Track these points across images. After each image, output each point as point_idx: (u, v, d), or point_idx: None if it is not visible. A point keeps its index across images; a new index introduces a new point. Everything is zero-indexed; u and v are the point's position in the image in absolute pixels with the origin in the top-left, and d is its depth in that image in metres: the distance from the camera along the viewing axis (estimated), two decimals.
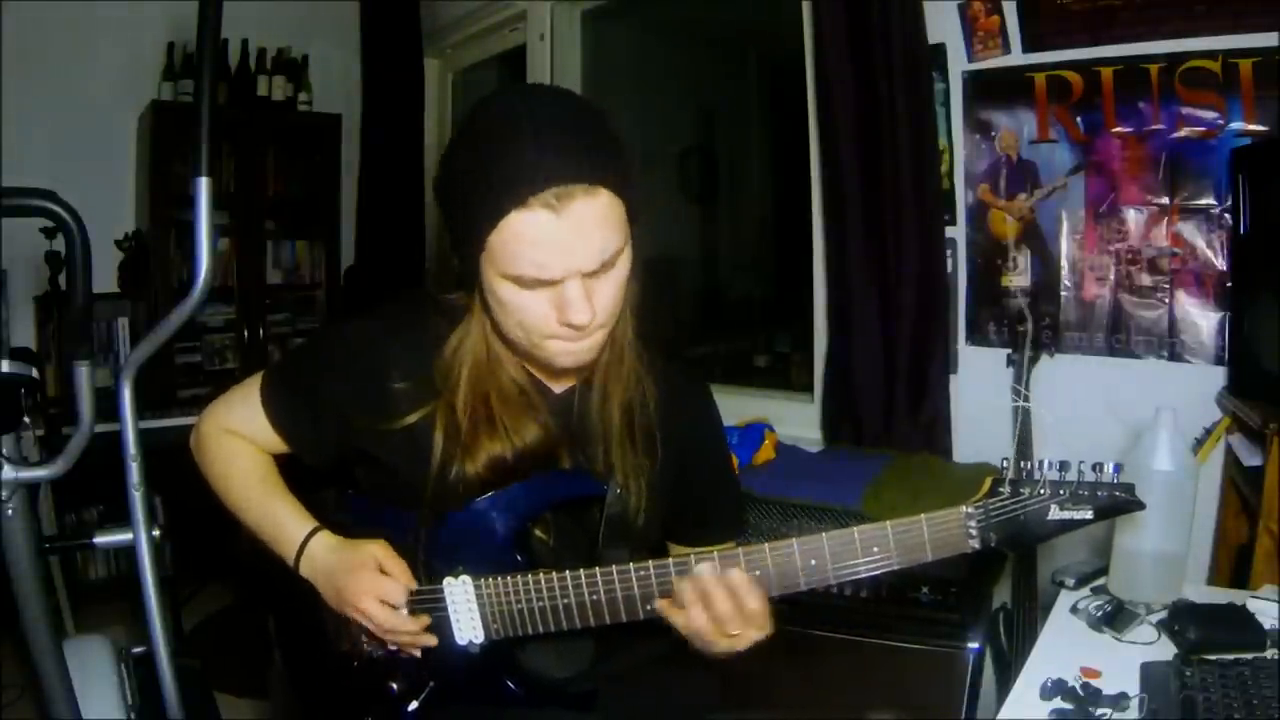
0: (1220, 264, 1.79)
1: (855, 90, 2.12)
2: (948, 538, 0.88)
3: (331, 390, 1.05)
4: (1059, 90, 1.94)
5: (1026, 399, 1.92)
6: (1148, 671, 1.04)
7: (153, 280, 3.24)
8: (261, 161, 3.56)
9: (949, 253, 2.12)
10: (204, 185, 1.08)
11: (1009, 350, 2.01)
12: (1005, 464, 0.89)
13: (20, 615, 1.00)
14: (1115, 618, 1.19)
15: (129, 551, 1.20)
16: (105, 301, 3.22)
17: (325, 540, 1.05)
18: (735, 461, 2.06)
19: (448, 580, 1.01)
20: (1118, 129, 1.88)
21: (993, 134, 2.05)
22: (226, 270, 3.47)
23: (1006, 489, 0.88)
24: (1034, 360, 1.95)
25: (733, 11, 3.69)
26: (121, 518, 1.20)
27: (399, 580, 1.02)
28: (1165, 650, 1.12)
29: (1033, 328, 1.92)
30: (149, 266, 3.25)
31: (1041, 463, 0.88)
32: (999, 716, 1.02)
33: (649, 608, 0.95)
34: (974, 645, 1.62)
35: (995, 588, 1.83)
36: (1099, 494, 0.86)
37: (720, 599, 0.91)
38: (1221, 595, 1.25)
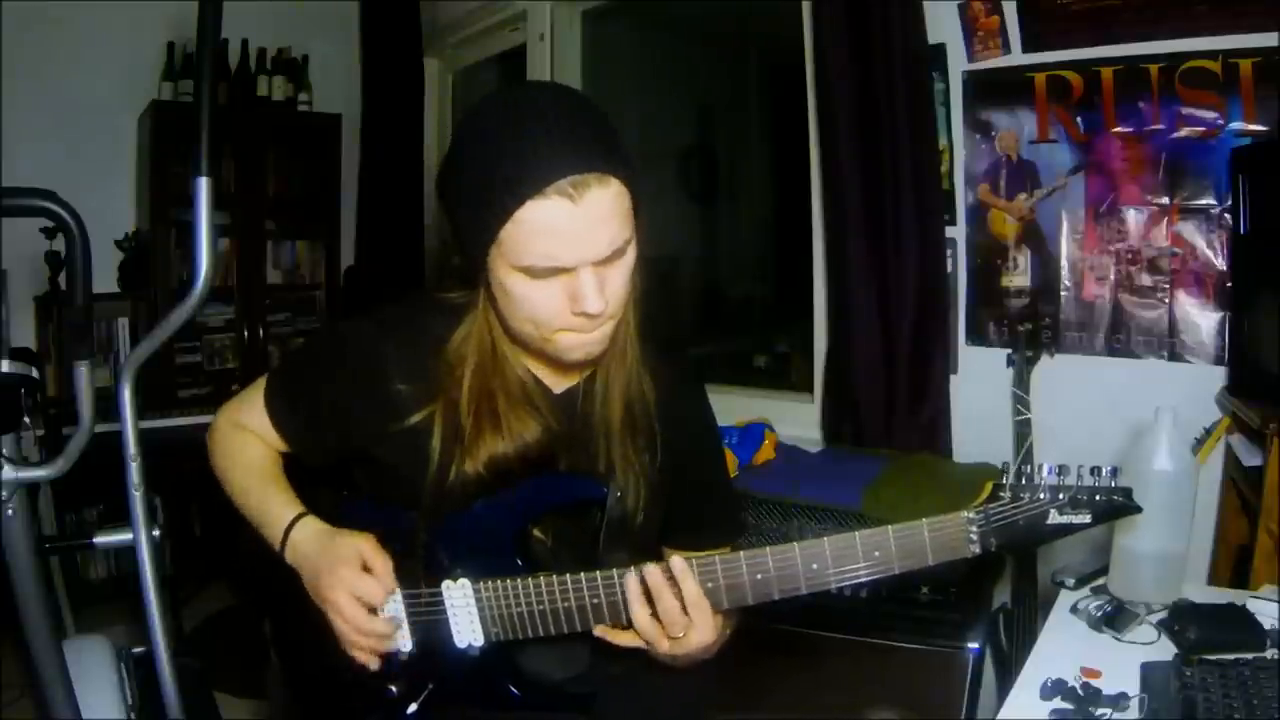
0: (1220, 264, 1.79)
1: (855, 90, 2.12)
2: (948, 542, 0.88)
3: (332, 392, 1.05)
4: (1059, 90, 1.94)
5: (1026, 402, 1.92)
6: (1148, 671, 1.04)
7: (153, 280, 3.24)
8: (261, 161, 3.56)
9: (949, 253, 2.12)
10: (204, 185, 1.08)
11: (1009, 350, 2.01)
12: (1005, 466, 0.89)
13: (20, 615, 0.99)
14: (1115, 618, 1.19)
15: (129, 551, 1.20)
16: (105, 301, 3.22)
17: (311, 526, 1.05)
18: (735, 462, 2.06)
19: (446, 583, 1.01)
20: (1118, 129, 1.88)
21: (993, 134, 2.05)
22: (226, 270, 3.47)
23: (1007, 494, 0.88)
24: (1034, 360, 1.95)
25: (733, 11, 3.69)
26: (121, 518, 1.20)
27: (381, 580, 1.00)
28: (1165, 650, 1.11)
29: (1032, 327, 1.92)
30: (149, 266, 3.25)
31: (1041, 467, 0.88)
32: (999, 716, 1.02)
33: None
34: (974, 645, 1.62)
35: (995, 588, 1.83)
36: (1097, 498, 0.87)
37: (667, 596, 0.92)
38: (1221, 595, 1.25)
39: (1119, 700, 0.99)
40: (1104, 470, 0.87)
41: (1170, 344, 1.85)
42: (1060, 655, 1.12)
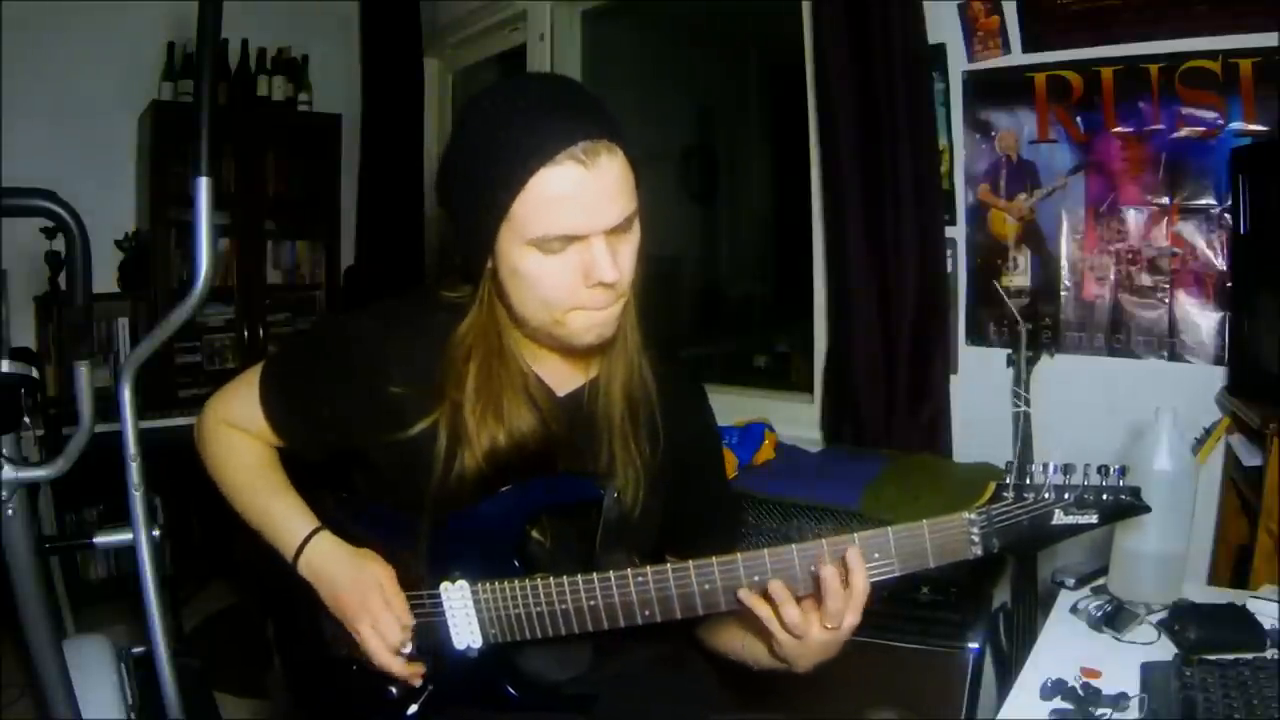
0: (1220, 264, 1.79)
1: (855, 90, 2.12)
2: (950, 544, 0.87)
3: (332, 392, 1.05)
4: (1059, 90, 1.94)
5: (1027, 401, 1.92)
6: (1148, 671, 1.04)
7: (153, 280, 3.25)
8: (261, 161, 3.56)
9: (949, 253, 2.12)
10: (204, 185, 1.08)
11: (1009, 350, 2.01)
12: (1009, 465, 0.87)
13: (20, 615, 0.99)
14: (1115, 618, 1.19)
15: (129, 551, 1.20)
16: (105, 301, 3.22)
17: (327, 544, 1.04)
18: (735, 462, 2.06)
19: (444, 585, 1.01)
20: (1118, 129, 1.88)
21: (993, 134, 2.05)
22: (226, 270, 3.47)
23: (1010, 494, 0.86)
24: (1034, 360, 1.95)
25: (733, 11, 3.69)
26: (121, 518, 1.20)
27: (399, 616, 1.01)
28: (1165, 650, 1.11)
29: (1033, 327, 1.92)
30: (149, 266, 3.25)
31: (1045, 466, 0.86)
32: (999, 716, 1.02)
33: (647, 613, 0.94)
34: (974, 645, 1.62)
35: (995, 588, 1.83)
36: (1104, 498, 0.85)
37: (836, 589, 0.88)
38: (1221, 595, 1.25)
39: (1119, 700, 0.99)
40: (1111, 469, 0.85)
41: (1170, 344, 1.85)
42: (1060, 655, 1.12)
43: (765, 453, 2.13)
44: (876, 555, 0.89)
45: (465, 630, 1.01)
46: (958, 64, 2.07)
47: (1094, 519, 0.85)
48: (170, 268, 3.28)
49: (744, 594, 0.91)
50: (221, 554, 3.01)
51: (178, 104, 3.26)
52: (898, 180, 2.06)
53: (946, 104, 2.09)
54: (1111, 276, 1.92)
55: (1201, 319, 1.82)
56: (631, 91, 3.80)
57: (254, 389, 1.09)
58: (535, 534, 1.05)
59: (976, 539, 0.87)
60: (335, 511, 1.10)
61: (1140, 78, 1.83)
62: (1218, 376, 1.78)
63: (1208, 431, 1.70)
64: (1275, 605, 1.16)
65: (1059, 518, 0.86)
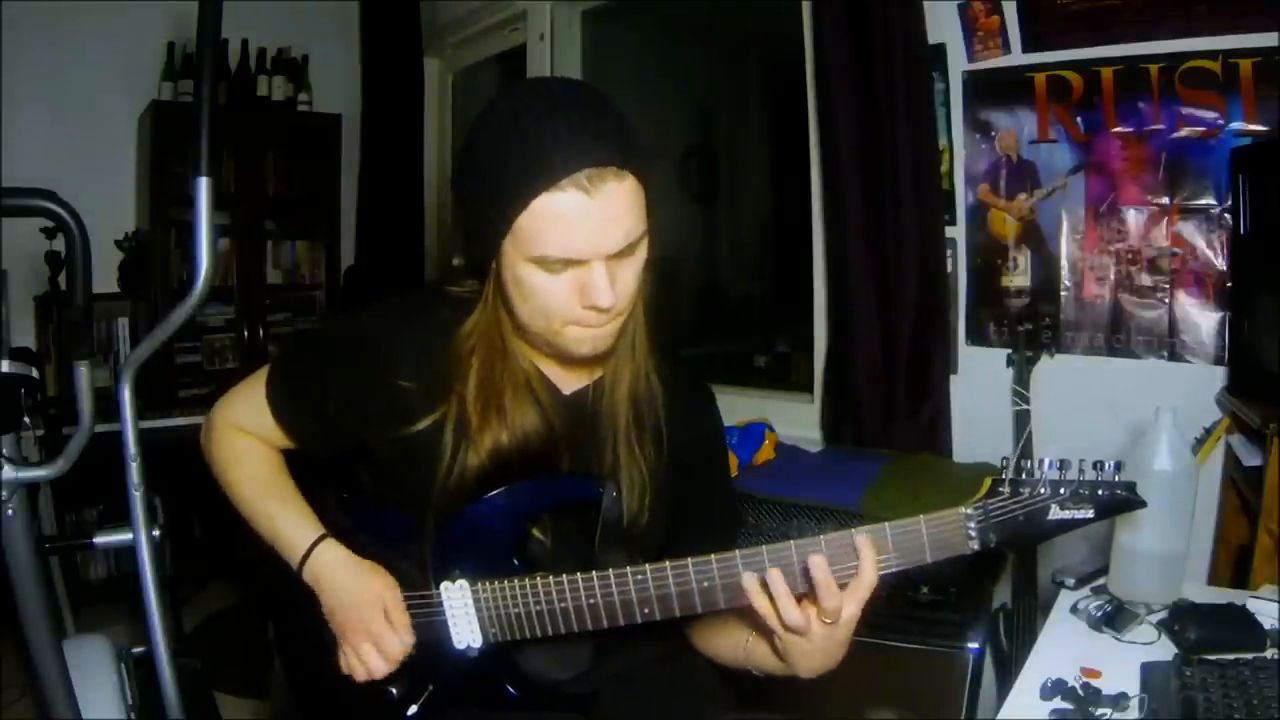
0: (1220, 264, 1.79)
1: (855, 90, 2.12)
2: (947, 538, 0.87)
3: (339, 390, 1.05)
4: (1059, 90, 1.94)
5: (1027, 401, 1.92)
6: (1148, 671, 1.04)
7: (153, 280, 3.24)
8: (261, 161, 3.56)
9: (949, 253, 2.12)
10: (204, 185, 1.08)
11: (1009, 350, 2.01)
12: (1005, 461, 0.88)
13: (20, 615, 0.99)
14: (1115, 618, 1.19)
15: (129, 551, 1.20)
16: (105, 301, 3.22)
17: (333, 553, 1.04)
18: (735, 462, 2.06)
19: (445, 584, 1.01)
20: (1118, 129, 1.88)
21: (993, 134, 2.05)
22: (226, 270, 3.47)
23: (1006, 489, 0.87)
24: (1034, 360, 1.95)
25: (733, 11, 3.69)
26: (121, 518, 1.20)
27: (400, 634, 1.01)
28: (1165, 650, 1.11)
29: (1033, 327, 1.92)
30: (149, 266, 3.25)
31: (1042, 462, 0.87)
32: (999, 716, 1.02)
33: (646, 611, 0.94)
34: (974, 645, 1.62)
35: (995, 588, 1.83)
36: (1100, 492, 0.86)
37: (825, 578, 0.87)
38: (1221, 595, 1.25)
39: (1119, 700, 0.99)
40: (1107, 465, 0.86)
41: (1170, 344, 1.85)
42: (1060, 655, 1.12)
43: (765, 453, 2.13)
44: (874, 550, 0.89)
45: (465, 629, 1.01)
46: (958, 64, 2.07)
47: (1090, 513, 0.86)
48: (170, 268, 3.28)
49: (747, 578, 0.90)
50: (221, 554, 3.01)
51: (178, 104, 3.26)
52: (898, 180, 2.06)
53: (946, 104, 2.09)
54: (1111, 276, 1.92)
55: (1201, 319, 1.82)
56: (631, 91, 3.80)
57: (261, 391, 1.09)
58: (536, 533, 1.05)
59: (973, 533, 0.87)
60: (337, 511, 1.10)
61: (1140, 78, 1.83)
62: (1218, 376, 1.78)
63: (1208, 431, 1.70)
64: (1275, 605, 1.16)
65: (1055, 513, 0.86)
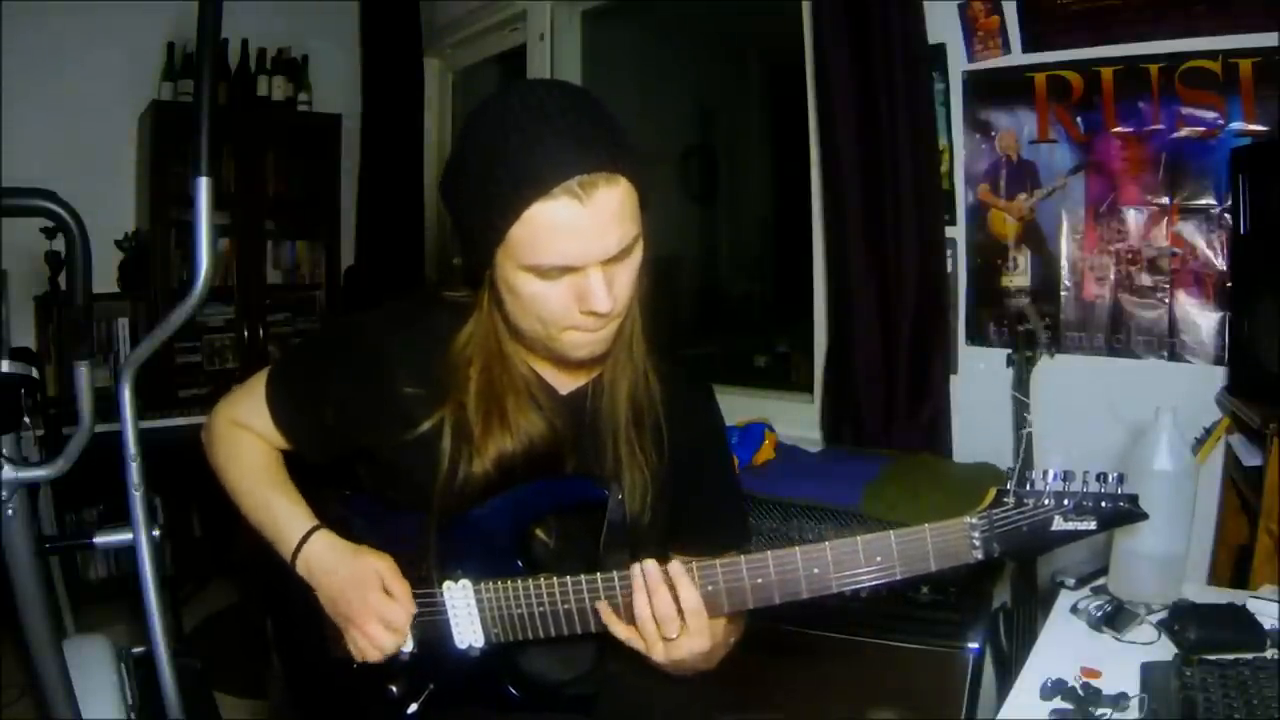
0: (1220, 264, 1.79)
1: (855, 90, 2.12)
2: (951, 548, 0.88)
3: (337, 393, 1.05)
4: (1059, 90, 1.94)
5: (1027, 404, 1.92)
6: (1148, 671, 1.04)
7: (153, 280, 3.25)
8: (261, 161, 3.56)
9: (949, 253, 2.12)
10: (204, 185, 1.08)
11: (1009, 350, 2.01)
12: (1009, 471, 0.89)
13: (20, 615, 0.99)
14: (1115, 618, 1.19)
15: (129, 551, 1.20)
16: (105, 301, 3.22)
17: (325, 541, 1.05)
18: (735, 462, 2.06)
19: (447, 584, 1.01)
20: (1118, 129, 1.88)
21: (993, 134, 2.05)
22: (226, 270, 3.47)
23: (1010, 500, 0.87)
24: (1034, 360, 1.95)
25: (733, 11, 3.68)
26: (121, 518, 1.20)
27: (403, 603, 1.01)
28: (1165, 650, 1.11)
29: (1032, 327, 1.92)
30: (149, 266, 3.25)
31: (1045, 473, 0.87)
32: (999, 716, 1.02)
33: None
34: (974, 645, 1.62)
35: (995, 588, 1.83)
36: (1102, 505, 0.87)
37: (661, 594, 0.91)
38: (1221, 595, 1.25)
39: (1119, 700, 0.99)
40: (1110, 477, 0.87)
41: (1170, 344, 1.85)
42: (1060, 655, 1.12)
43: (765, 453, 2.13)
44: (878, 558, 0.89)
45: (467, 629, 1.01)
46: (958, 64, 2.07)
47: (1092, 525, 0.87)
48: (170, 268, 3.28)
49: (602, 607, 0.95)
50: (221, 554, 3.02)
51: (178, 104, 3.26)
52: (898, 180, 2.06)
53: (946, 104, 2.09)
54: (1111, 276, 1.92)
55: (1201, 319, 1.82)
56: (631, 91, 3.80)
57: (261, 392, 1.10)
58: (540, 534, 1.05)
59: (978, 543, 0.88)
60: (338, 511, 1.11)
61: (1140, 78, 1.83)
62: (1218, 376, 1.78)
63: (1208, 431, 1.70)
64: (1275, 605, 1.16)
65: (1058, 524, 0.87)
